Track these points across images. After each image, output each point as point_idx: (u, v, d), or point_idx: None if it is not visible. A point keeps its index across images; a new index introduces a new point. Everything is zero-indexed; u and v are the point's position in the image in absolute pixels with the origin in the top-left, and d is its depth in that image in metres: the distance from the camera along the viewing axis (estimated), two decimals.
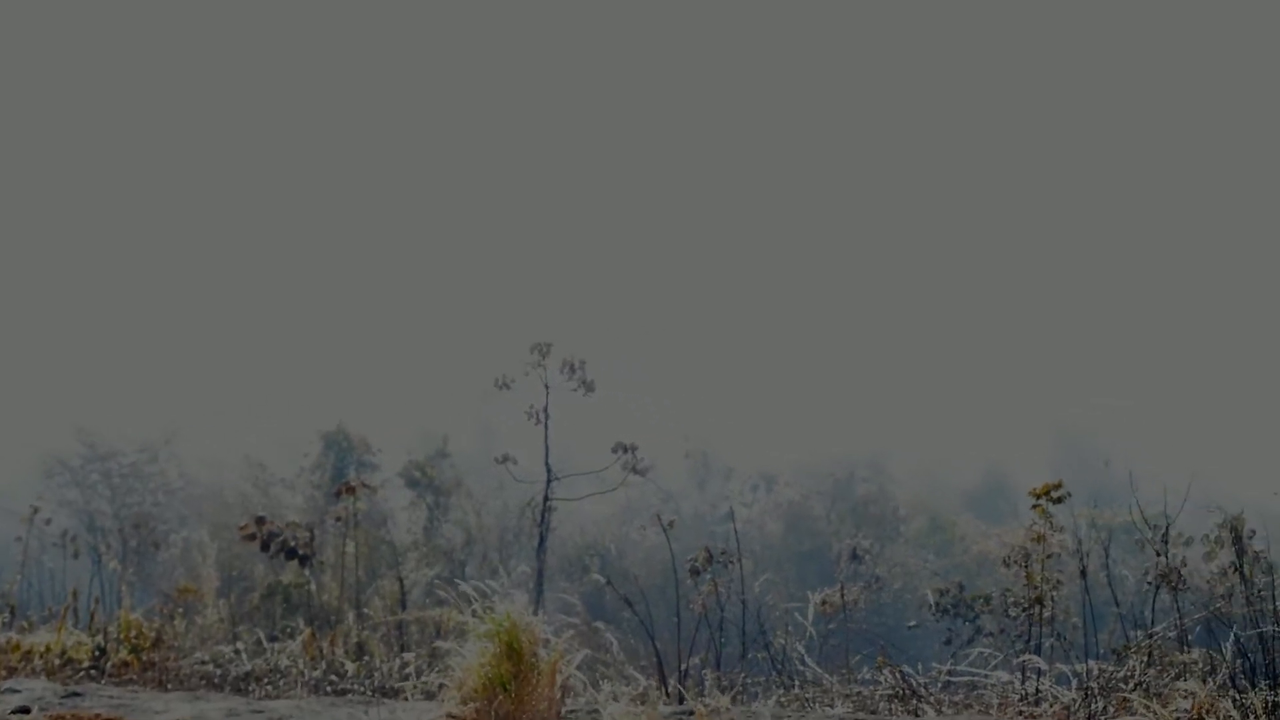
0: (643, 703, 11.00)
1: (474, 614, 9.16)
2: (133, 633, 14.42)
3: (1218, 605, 12.47)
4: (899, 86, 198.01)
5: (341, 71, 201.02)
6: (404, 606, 19.39)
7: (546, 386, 17.85)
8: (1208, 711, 8.73)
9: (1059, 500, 12.92)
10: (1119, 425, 78.88)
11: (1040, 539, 12.90)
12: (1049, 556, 12.92)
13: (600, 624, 17.20)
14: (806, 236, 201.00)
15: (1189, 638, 12.13)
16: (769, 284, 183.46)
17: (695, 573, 15.15)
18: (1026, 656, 12.27)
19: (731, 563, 15.25)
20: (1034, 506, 12.99)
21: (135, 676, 13.56)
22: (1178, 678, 10.80)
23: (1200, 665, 11.16)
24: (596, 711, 10.09)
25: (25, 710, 10.25)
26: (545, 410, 17.91)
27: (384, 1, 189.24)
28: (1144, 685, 10.82)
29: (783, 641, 15.19)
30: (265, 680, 13.58)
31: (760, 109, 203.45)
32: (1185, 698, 9.06)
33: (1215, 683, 10.26)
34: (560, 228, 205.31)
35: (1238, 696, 9.97)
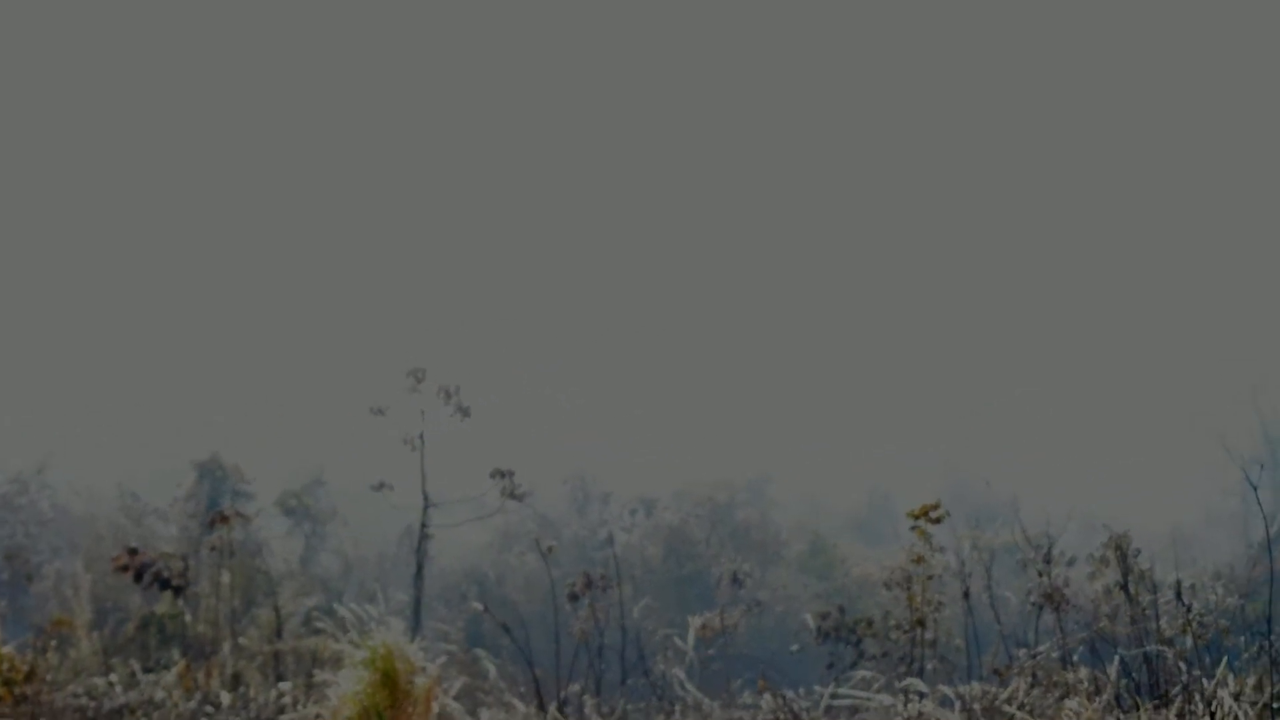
0: None
1: (351, 642, 8.93)
2: (5, 666, 14.18)
3: (1102, 625, 12.46)
4: (803, 99, 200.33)
5: (224, 91, 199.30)
6: (280, 636, 19.05)
7: (422, 412, 17.60)
8: None
9: (938, 520, 12.89)
10: (1003, 449, 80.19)
11: (920, 560, 12.86)
12: (930, 578, 12.88)
13: (480, 651, 16.99)
14: (689, 266, 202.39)
15: (1073, 657, 12.10)
16: (648, 312, 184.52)
17: (574, 598, 14.99)
18: (909, 680, 12.19)
19: (611, 588, 15.08)
20: (913, 528, 12.95)
21: (8, 711, 13.48)
22: (1063, 698, 10.74)
23: (1085, 685, 11.12)
24: None
25: None
26: (421, 436, 17.66)
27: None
28: (1028, 706, 10.75)
29: (663, 667, 15.03)
30: (140, 713, 13.54)
31: (638, 120, 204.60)
32: (1070, 718, 8.97)
33: (1100, 702, 10.20)
34: (438, 258, 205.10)
35: (1123, 716, 9.93)
